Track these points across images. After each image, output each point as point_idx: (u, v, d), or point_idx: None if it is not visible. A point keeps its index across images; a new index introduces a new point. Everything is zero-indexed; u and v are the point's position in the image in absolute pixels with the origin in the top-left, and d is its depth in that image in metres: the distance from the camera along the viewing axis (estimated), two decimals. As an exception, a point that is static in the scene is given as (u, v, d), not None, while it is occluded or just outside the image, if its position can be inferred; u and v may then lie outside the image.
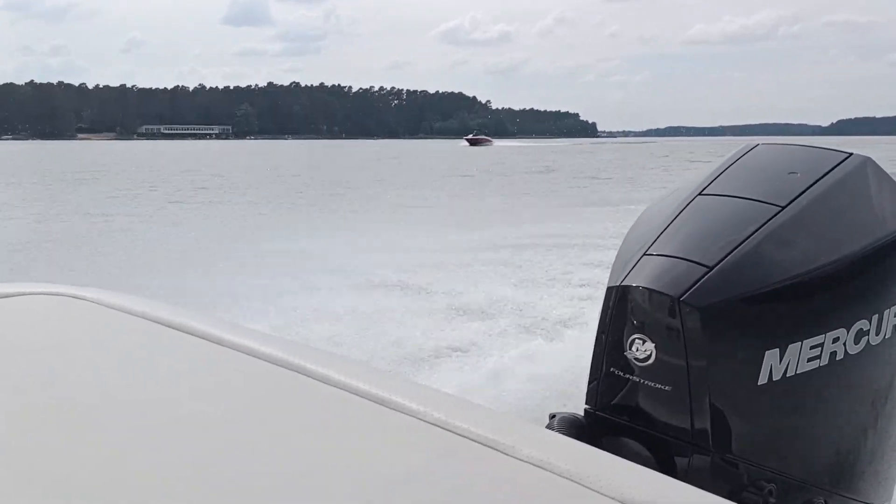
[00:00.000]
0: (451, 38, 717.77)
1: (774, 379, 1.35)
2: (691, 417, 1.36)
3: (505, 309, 6.79)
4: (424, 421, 0.76)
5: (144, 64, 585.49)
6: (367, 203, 21.49)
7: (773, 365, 1.35)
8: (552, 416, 1.49)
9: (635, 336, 1.40)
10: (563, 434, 1.29)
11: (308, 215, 18.72)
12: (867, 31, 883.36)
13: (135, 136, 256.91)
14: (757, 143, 1.66)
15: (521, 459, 0.69)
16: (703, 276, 1.36)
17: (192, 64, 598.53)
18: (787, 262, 1.40)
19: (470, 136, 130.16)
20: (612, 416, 1.46)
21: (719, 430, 1.37)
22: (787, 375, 1.36)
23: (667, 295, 1.36)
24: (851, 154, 1.57)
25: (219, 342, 1.00)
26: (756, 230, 1.41)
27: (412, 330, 5.93)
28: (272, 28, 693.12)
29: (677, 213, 1.50)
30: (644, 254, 1.45)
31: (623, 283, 1.43)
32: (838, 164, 1.53)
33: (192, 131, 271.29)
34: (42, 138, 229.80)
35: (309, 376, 0.88)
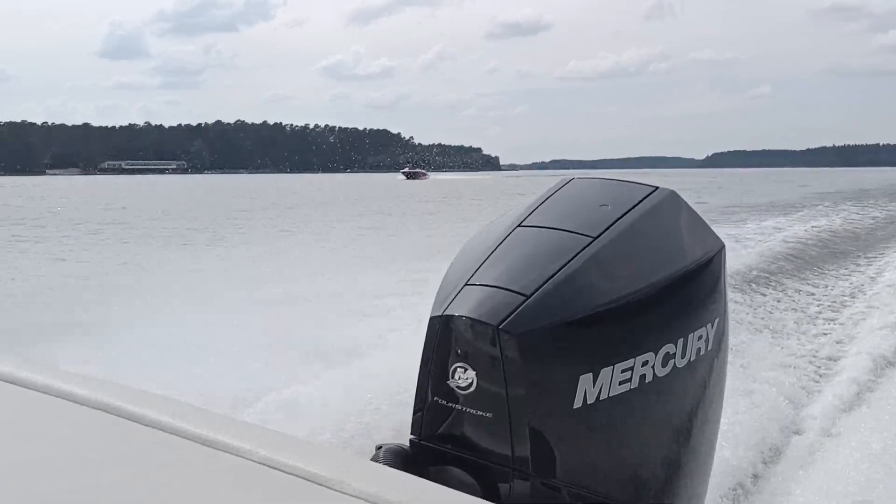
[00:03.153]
0: (333, 72, 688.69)
1: (589, 402, 1.33)
2: (512, 443, 1.34)
3: (328, 338, 6.13)
4: (251, 460, 0.73)
5: (13, 96, 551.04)
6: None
7: (588, 389, 1.33)
8: (378, 448, 1.44)
9: (457, 365, 1.37)
10: (390, 466, 1.30)
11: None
12: (729, 67, 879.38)
13: (98, 172, 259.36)
14: (572, 177, 1.67)
15: (349, 494, 0.68)
16: (520, 305, 1.33)
17: (64, 97, 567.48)
18: (599, 290, 1.38)
19: (406, 170, 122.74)
20: (437, 445, 1.42)
21: (539, 455, 1.34)
22: (601, 399, 1.34)
23: (487, 323, 1.33)
24: (658, 188, 1.57)
25: (27, 386, 0.93)
26: (570, 260, 1.39)
27: (244, 364, 5.27)
28: (150, 61, 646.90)
29: (497, 243, 1.48)
30: (466, 283, 1.42)
31: (445, 313, 1.40)
32: (646, 197, 1.53)
33: (152, 167, 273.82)
34: (13, 174, 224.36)
35: (126, 418, 0.81)
